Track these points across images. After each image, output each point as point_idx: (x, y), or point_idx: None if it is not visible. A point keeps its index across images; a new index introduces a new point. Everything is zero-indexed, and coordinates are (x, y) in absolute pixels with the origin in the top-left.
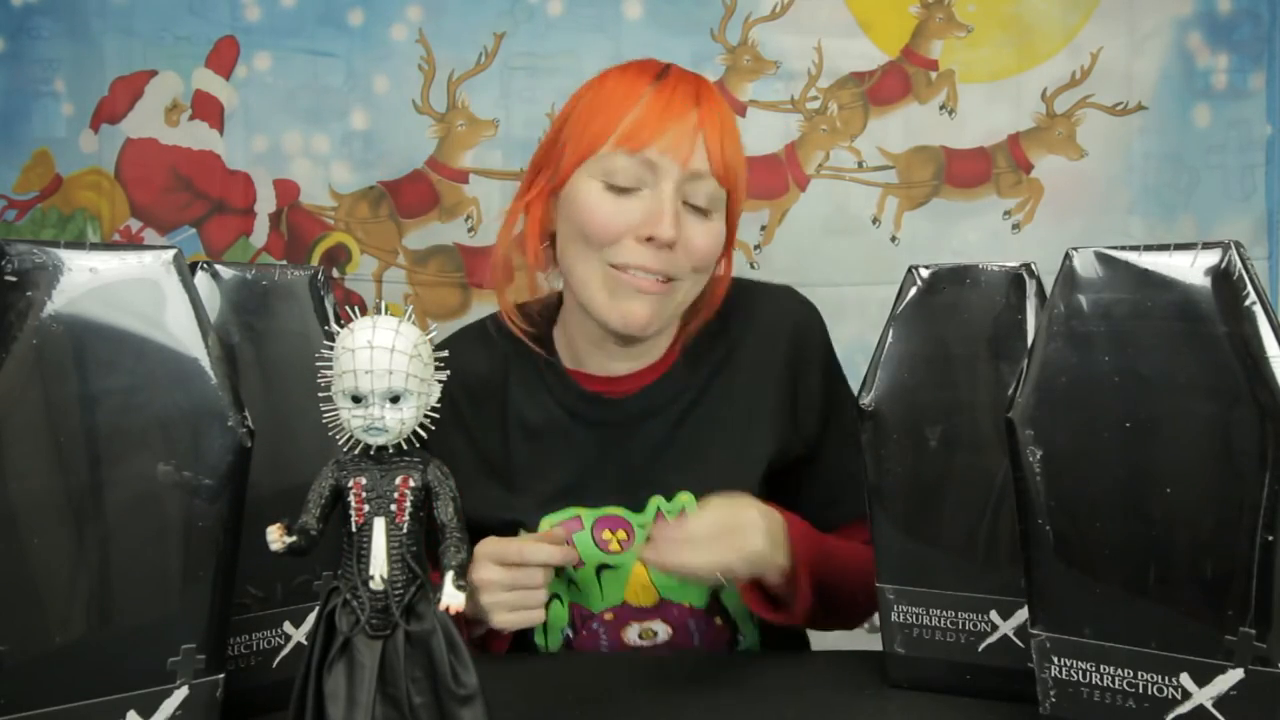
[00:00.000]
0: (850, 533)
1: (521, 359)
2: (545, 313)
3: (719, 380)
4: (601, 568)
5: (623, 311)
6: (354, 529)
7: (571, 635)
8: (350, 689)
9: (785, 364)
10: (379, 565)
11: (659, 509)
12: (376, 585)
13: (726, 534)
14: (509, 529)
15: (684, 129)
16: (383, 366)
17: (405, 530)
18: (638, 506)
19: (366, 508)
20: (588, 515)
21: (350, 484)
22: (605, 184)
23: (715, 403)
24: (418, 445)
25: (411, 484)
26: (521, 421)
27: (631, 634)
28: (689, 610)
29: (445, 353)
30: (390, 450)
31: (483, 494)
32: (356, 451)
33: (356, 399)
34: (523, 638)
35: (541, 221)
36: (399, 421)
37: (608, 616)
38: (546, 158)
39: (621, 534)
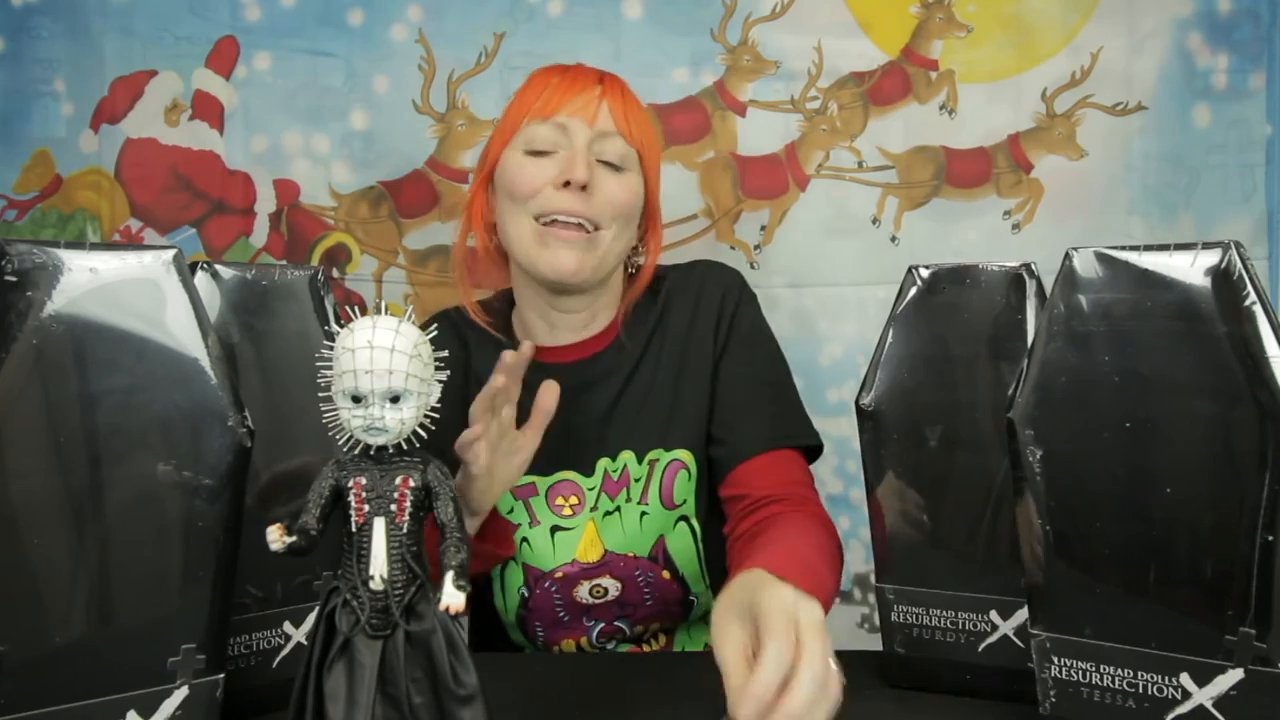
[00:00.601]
0: (752, 469)
1: (481, 339)
2: (503, 303)
3: (653, 346)
4: (555, 529)
5: (550, 260)
6: (354, 529)
7: (527, 595)
8: (350, 689)
9: (713, 322)
10: (379, 565)
11: (605, 470)
12: (376, 585)
13: (789, 632)
14: None
15: (588, 97)
16: (383, 366)
17: (405, 530)
18: (587, 470)
19: (366, 508)
20: (542, 482)
21: (350, 484)
22: (525, 151)
23: (652, 367)
24: (417, 445)
25: (411, 484)
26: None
27: (583, 592)
28: (634, 560)
29: (445, 353)
30: (390, 450)
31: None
32: (356, 451)
33: (356, 399)
34: (484, 604)
35: (483, 213)
36: (399, 421)
37: (559, 575)
38: (483, 160)
39: (574, 499)
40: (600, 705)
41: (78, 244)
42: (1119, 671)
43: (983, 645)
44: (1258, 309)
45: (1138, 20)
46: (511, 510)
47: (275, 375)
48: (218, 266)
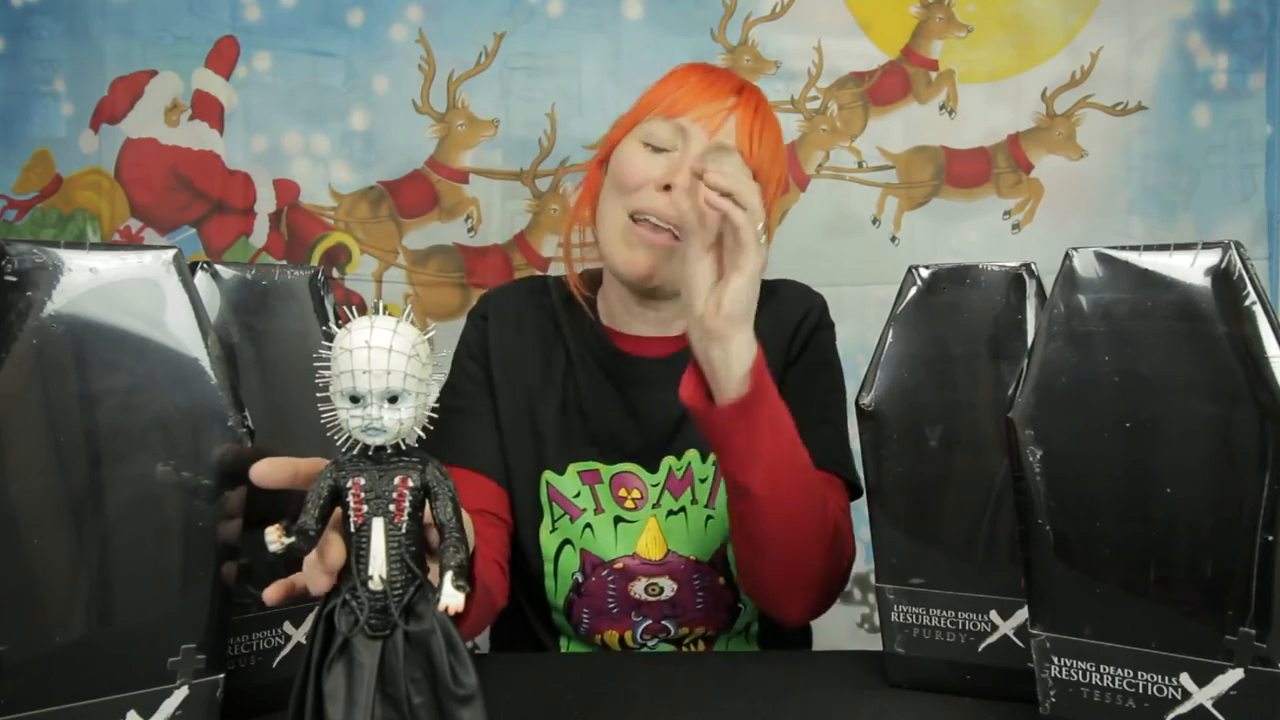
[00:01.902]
0: None
1: (571, 314)
2: (595, 281)
3: None
4: (618, 519)
5: (627, 258)
6: (353, 529)
7: (581, 581)
8: (349, 689)
9: (788, 336)
10: (378, 565)
11: (670, 468)
12: (375, 585)
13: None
14: (534, 472)
15: (718, 107)
16: (380, 367)
17: (404, 530)
18: (652, 467)
19: (365, 508)
20: (606, 470)
21: (349, 484)
22: (643, 143)
23: None
24: (416, 445)
25: (410, 484)
26: (565, 371)
27: (638, 588)
28: (694, 564)
29: (445, 353)
30: (389, 450)
31: (518, 436)
32: (355, 452)
33: (354, 399)
34: (532, 582)
35: (593, 189)
36: (397, 422)
37: (619, 565)
38: (605, 141)
39: (636, 493)
40: (600, 705)
41: (78, 244)
42: (1119, 671)
43: (983, 645)
44: (1258, 309)
45: (1138, 20)
46: (578, 494)
47: (275, 375)
48: (218, 266)
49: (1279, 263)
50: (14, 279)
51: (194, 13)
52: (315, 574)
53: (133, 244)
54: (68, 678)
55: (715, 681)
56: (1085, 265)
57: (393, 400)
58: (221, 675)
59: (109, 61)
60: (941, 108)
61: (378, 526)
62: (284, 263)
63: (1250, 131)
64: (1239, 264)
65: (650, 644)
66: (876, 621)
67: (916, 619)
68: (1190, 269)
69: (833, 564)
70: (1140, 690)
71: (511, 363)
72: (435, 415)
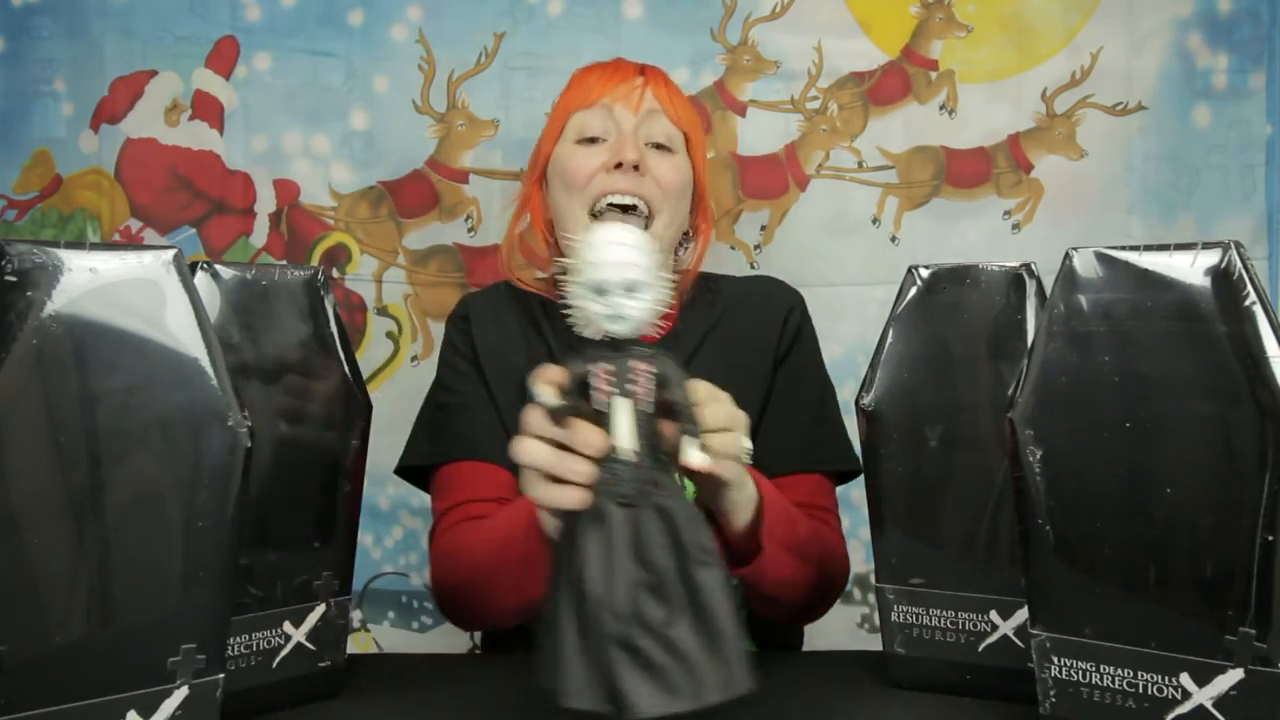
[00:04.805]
0: (784, 484)
1: (549, 315)
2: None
3: (708, 344)
4: None
5: None
6: (602, 409)
7: None
8: (606, 553)
9: (776, 334)
10: (626, 439)
11: None
12: (627, 458)
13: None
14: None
15: (630, 86)
16: (623, 258)
17: (646, 411)
18: None
19: (612, 389)
20: None
21: (594, 369)
22: (576, 140)
23: (706, 369)
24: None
25: (649, 369)
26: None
27: None
28: None
29: None
30: (627, 341)
31: (514, 429)
32: (599, 340)
33: (599, 291)
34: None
35: (541, 211)
36: (638, 310)
37: None
38: (534, 160)
39: None
40: None
41: (78, 244)
42: (1119, 671)
43: (983, 645)
44: (1258, 309)
45: (1138, 20)
46: None
47: (275, 375)
48: (218, 266)
49: (1279, 263)
50: (14, 279)
51: (194, 13)
52: (573, 461)
53: (133, 244)
54: (68, 678)
55: None
56: (1085, 265)
57: (632, 290)
58: (221, 675)
59: (109, 61)
60: (941, 108)
61: (624, 405)
62: (284, 263)
63: (1250, 131)
64: (1239, 264)
65: None
66: (876, 621)
67: (916, 619)
68: (1190, 269)
69: (825, 594)
70: (1140, 690)
71: (499, 358)
72: (434, 415)
